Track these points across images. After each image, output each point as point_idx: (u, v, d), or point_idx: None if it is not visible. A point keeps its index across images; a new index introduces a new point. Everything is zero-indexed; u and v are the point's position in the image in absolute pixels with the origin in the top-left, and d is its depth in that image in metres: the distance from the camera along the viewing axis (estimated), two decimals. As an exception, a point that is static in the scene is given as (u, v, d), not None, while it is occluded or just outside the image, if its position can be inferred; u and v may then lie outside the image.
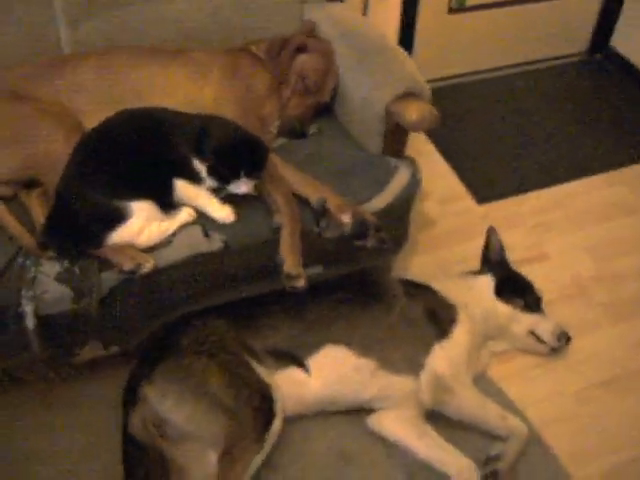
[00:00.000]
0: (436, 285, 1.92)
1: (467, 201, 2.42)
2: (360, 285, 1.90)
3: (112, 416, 1.72)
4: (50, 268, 1.53)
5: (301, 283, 1.61)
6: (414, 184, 1.81)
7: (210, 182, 1.59)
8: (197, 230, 1.62)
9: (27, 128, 1.64)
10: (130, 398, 1.68)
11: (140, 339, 1.78)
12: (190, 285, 1.68)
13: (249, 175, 1.57)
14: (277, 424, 1.63)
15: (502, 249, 2.02)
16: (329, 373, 1.73)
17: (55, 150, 1.61)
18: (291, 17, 2.03)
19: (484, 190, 2.45)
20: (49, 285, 1.53)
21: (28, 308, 1.52)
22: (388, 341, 1.77)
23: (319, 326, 1.78)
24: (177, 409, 1.61)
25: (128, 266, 1.53)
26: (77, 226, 1.52)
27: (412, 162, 1.84)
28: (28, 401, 1.81)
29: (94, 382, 1.85)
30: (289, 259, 1.60)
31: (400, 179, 1.78)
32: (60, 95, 1.72)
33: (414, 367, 1.75)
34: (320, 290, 1.83)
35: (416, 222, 2.28)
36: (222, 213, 1.63)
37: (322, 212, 1.65)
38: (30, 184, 1.66)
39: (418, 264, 2.20)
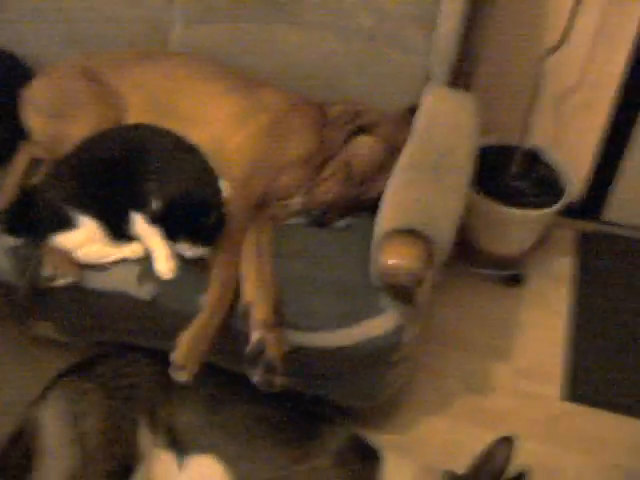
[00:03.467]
0: (387, 464, 1.52)
1: (552, 388, 1.84)
2: (300, 416, 1.59)
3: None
4: (7, 239, 1.58)
5: (183, 378, 1.40)
6: (392, 343, 1.42)
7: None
8: (134, 271, 1.51)
9: (72, 106, 1.69)
10: (45, 389, 1.69)
11: (89, 341, 1.77)
12: (121, 318, 1.60)
13: (192, 241, 1.41)
14: (120, 499, 1.49)
15: (502, 473, 1.50)
16: None
17: (78, 137, 1.62)
18: (407, 91, 1.71)
19: (584, 386, 1.83)
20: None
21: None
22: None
23: (221, 431, 1.55)
24: (50, 423, 1.57)
25: (47, 271, 1.51)
26: (32, 214, 1.54)
27: (411, 317, 1.44)
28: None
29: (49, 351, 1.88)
30: (182, 347, 1.39)
31: (376, 325, 1.41)
32: (123, 87, 1.72)
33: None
34: (262, 396, 1.59)
35: (471, 380, 1.86)
36: (162, 266, 1.48)
37: (242, 316, 1.41)
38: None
39: (428, 429, 1.75)
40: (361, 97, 1.73)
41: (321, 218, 1.57)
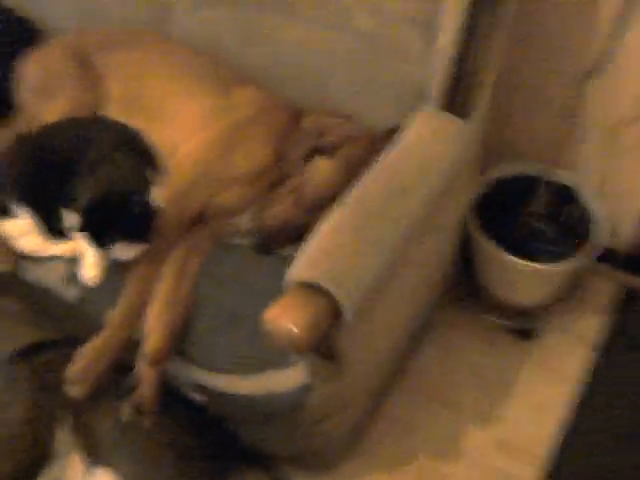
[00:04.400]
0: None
1: (531, 471, 1.55)
2: (213, 452, 1.47)
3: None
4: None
5: (75, 393, 1.33)
6: (295, 403, 1.26)
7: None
8: (63, 270, 1.45)
9: (52, 88, 1.64)
10: None
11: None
12: (55, 313, 1.56)
13: (118, 240, 1.31)
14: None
15: None
16: None
17: (50, 120, 1.57)
18: (397, 106, 1.45)
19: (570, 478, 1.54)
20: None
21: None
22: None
23: (130, 449, 1.46)
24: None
25: None
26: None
27: (324, 376, 1.25)
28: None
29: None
30: (78, 362, 1.32)
31: (278, 380, 1.25)
32: (106, 72, 1.63)
33: None
34: (183, 422, 1.49)
35: (439, 442, 1.64)
36: (86, 271, 1.41)
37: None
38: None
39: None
40: (348, 106, 1.51)
41: (265, 243, 1.41)
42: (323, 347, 1.24)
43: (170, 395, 1.46)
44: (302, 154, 1.40)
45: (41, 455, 1.48)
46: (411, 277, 1.47)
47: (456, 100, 1.41)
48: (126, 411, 1.29)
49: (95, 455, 1.50)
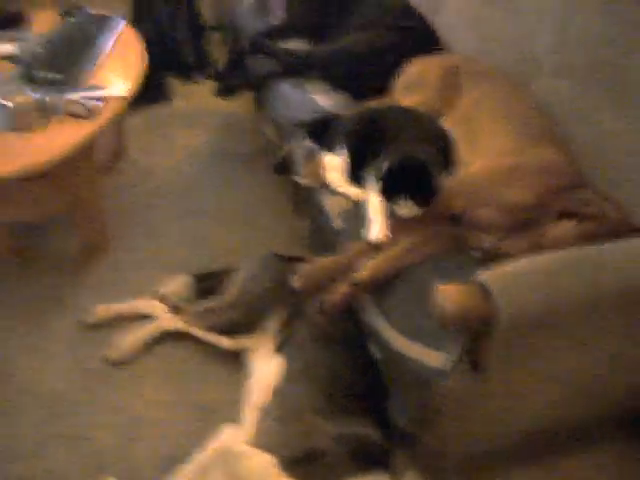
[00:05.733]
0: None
1: None
2: (365, 392, 1.72)
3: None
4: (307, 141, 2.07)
5: (294, 283, 1.70)
6: (425, 379, 1.47)
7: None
8: (342, 206, 1.88)
9: (416, 86, 2.08)
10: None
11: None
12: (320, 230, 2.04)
13: (407, 199, 1.65)
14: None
15: None
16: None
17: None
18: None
19: None
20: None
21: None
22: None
23: (307, 356, 1.78)
24: (242, 271, 2.06)
25: (302, 171, 2.01)
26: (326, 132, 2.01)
27: (461, 375, 1.43)
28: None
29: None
30: (308, 265, 1.70)
31: (432, 356, 1.46)
32: (463, 90, 2.01)
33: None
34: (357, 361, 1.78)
35: None
36: (374, 230, 1.69)
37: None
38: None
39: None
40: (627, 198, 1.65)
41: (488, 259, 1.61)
42: (474, 353, 1.43)
43: (356, 339, 1.80)
44: (561, 210, 1.59)
45: (250, 324, 1.91)
46: (594, 362, 1.56)
47: None
48: (314, 308, 1.63)
49: (281, 345, 1.87)
